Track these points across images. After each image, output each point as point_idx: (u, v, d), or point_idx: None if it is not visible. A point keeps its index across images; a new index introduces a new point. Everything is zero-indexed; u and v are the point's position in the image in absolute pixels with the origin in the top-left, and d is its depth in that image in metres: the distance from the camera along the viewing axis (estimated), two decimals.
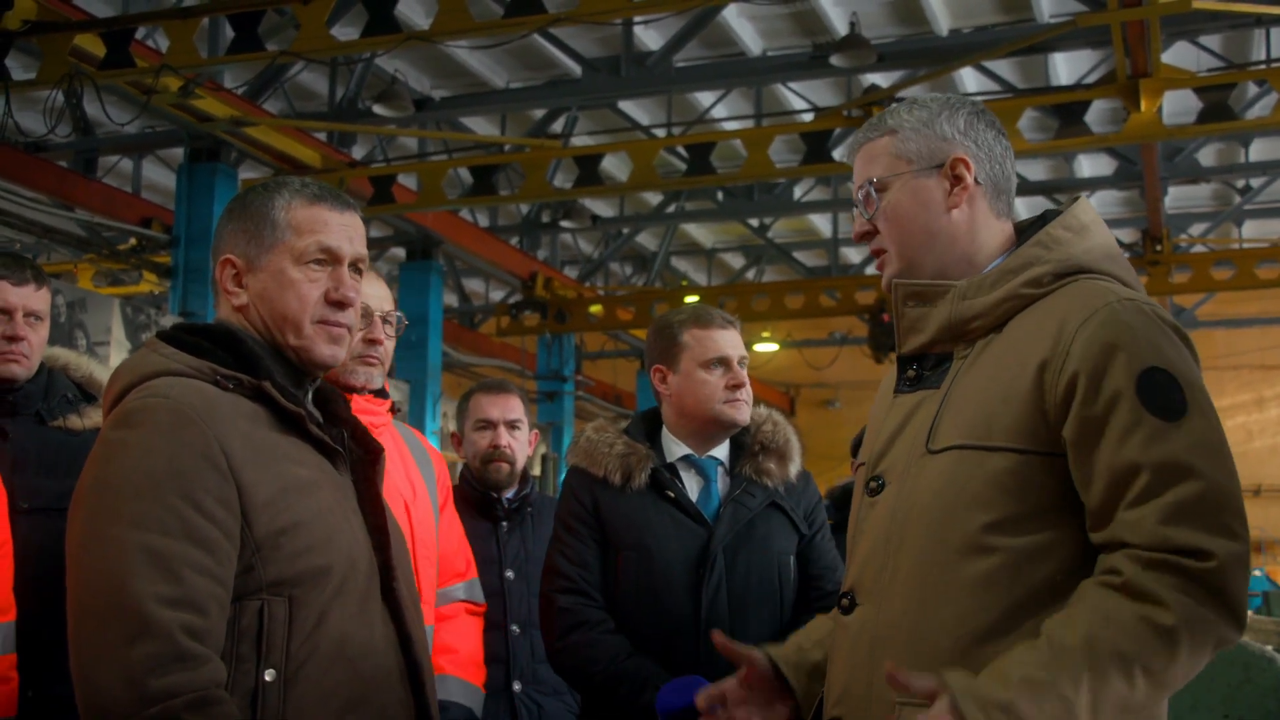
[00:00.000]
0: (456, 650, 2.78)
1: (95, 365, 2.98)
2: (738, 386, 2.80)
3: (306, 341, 1.89)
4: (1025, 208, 12.17)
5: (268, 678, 1.71)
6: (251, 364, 1.85)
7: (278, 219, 1.90)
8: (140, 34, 8.55)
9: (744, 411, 2.82)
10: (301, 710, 1.72)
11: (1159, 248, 13.32)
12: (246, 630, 1.71)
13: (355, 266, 1.96)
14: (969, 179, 1.87)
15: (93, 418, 2.86)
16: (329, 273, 1.91)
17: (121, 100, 8.94)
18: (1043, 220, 1.92)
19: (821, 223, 16.35)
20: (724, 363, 2.81)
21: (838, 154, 10.10)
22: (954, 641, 1.69)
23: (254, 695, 1.70)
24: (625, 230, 15.80)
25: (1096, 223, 1.89)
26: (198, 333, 1.88)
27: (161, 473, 1.68)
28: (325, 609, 1.77)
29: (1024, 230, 1.93)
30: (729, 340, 2.83)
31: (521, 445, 3.63)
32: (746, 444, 2.86)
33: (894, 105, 1.96)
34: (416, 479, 2.75)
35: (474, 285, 18.04)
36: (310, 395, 1.98)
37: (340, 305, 1.91)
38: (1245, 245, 15.46)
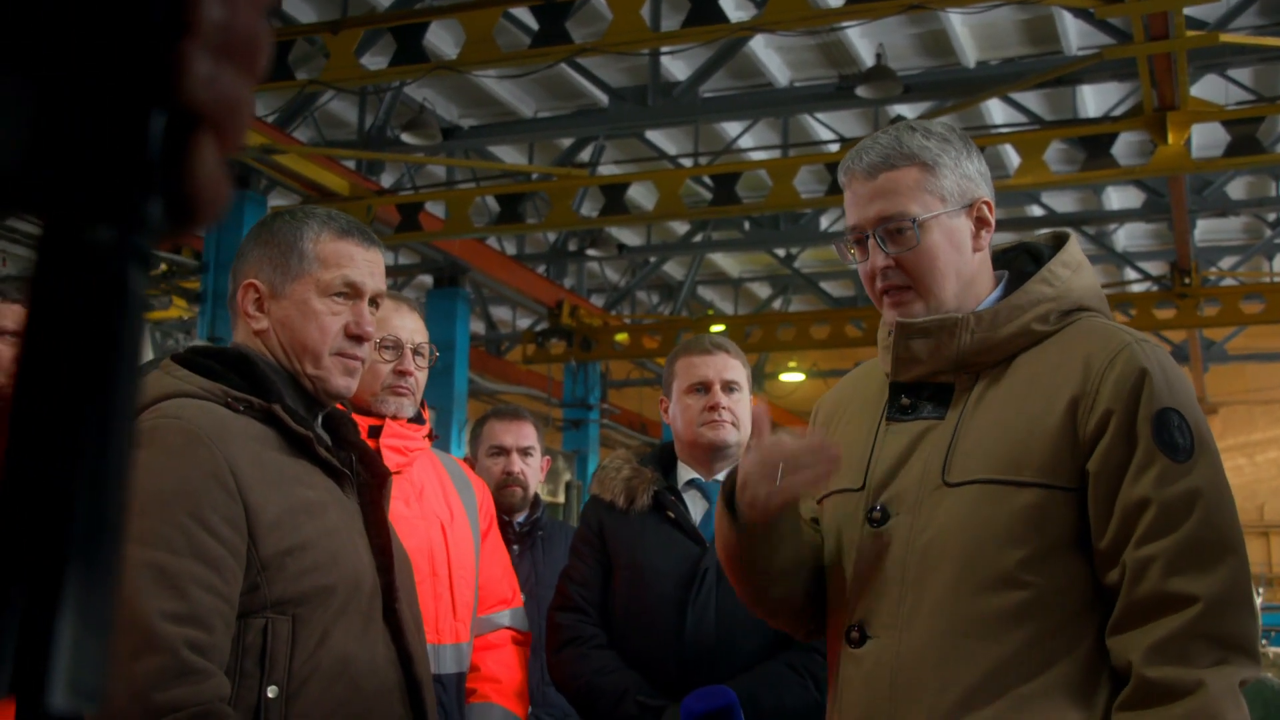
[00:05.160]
0: (500, 680, 2.82)
1: None
2: (713, 408, 2.82)
3: (324, 372, 1.94)
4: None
5: (270, 694, 1.73)
6: (263, 387, 1.89)
7: (306, 250, 1.95)
8: None
9: (723, 432, 2.83)
10: None
11: (1188, 280, 13.25)
12: (251, 647, 1.74)
13: (374, 301, 2.01)
14: (992, 221, 1.90)
15: None
16: (350, 306, 1.96)
17: None
18: (1027, 251, 1.95)
19: None
20: (704, 386, 2.85)
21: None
22: (981, 673, 1.70)
23: (256, 711, 1.73)
24: (651, 259, 15.86)
25: (1085, 260, 1.94)
26: (211, 355, 1.92)
27: (171, 492, 1.72)
28: (328, 628, 1.80)
29: (1002, 259, 1.97)
30: (712, 364, 2.86)
31: (533, 471, 3.68)
32: None
33: (904, 130, 1.90)
34: (456, 504, 2.80)
35: (501, 313, 18.13)
36: (320, 420, 2.01)
37: (359, 339, 1.96)
38: (1276, 278, 15.36)
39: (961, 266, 1.88)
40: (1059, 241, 1.94)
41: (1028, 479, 1.73)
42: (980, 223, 1.89)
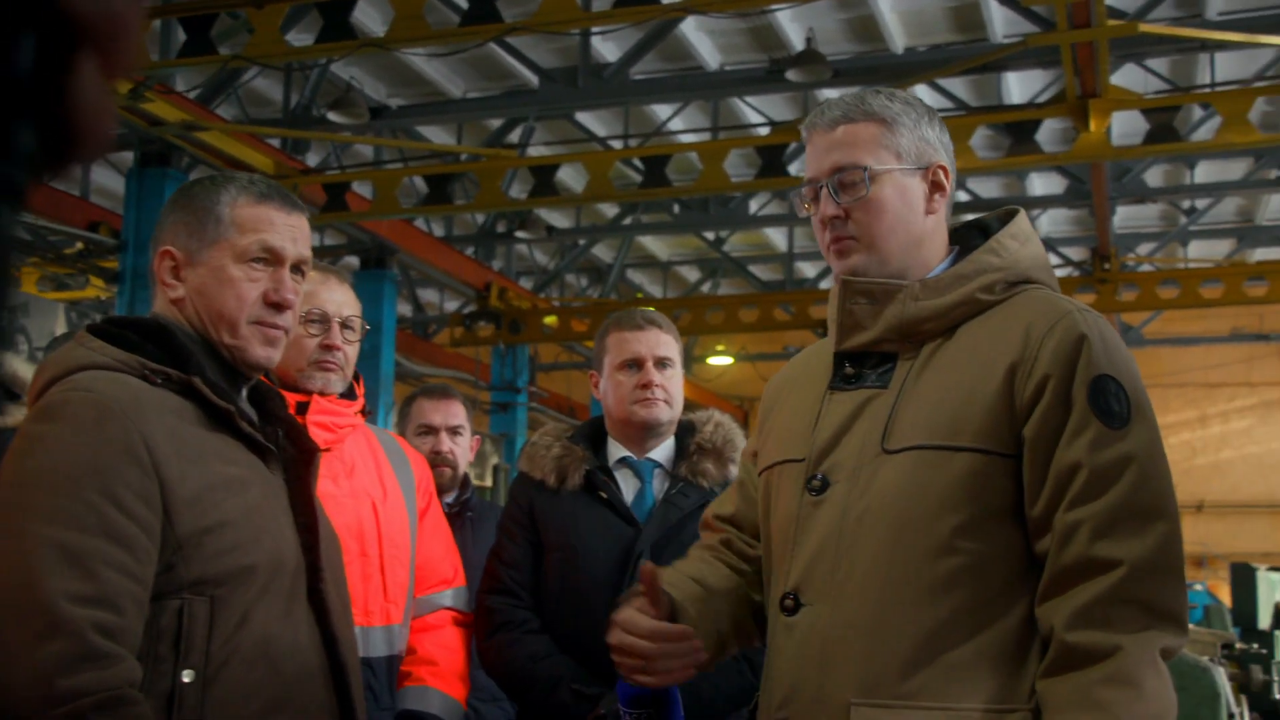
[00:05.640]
0: (438, 662, 2.71)
1: (20, 363, 2.94)
2: (646, 385, 2.79)
3: (241, 341, 1.88)
4: None
5: (186, 679, 1.68)
6: (182, 359, 1.82)
7: (222, 214, 1.89)
8: None
9: (656, 410, 2.80)
10: (220, 712, 1.70)
11: (1107, 266, 13.50)
12: (165, 630, 1.68)
13: (298, 269, 1.94)
14: (948, 187, 1.92)
15: (16, 416, 2.81)
16: (270, 273, 1.90)
17: None
18: (979, 226, 1.96)
19: (777, 237, 16.43)
20: (636, 363, 2.81)
21: (793, 169, 10.16)
22: (912, 641, 1.70)
23: (171, 697, 1.67)
24: (581, 242, 15.80)
25: (1034, 234, 1.95)
26: (128, 326, 1.86)
27: (81, 468, 1.66)
28: (249, 609, 1.75)
29: (956, 235, 1.97)
30: (644, 340, 2.82)
31: (463, 451, 3.63)
32: (688, 446, 2.86)
33: (869, 91, 1.92)
34: (390, 481, 2.71)
35: (428, 295, 17.95)
36: (245, 393, 1.96)
37: (279, 307, 1.89)
38: (1190, 265, 15.70)
39: (911, 225, 1.89)
40: (1009, 217, 1.96)
41: (964, 444, 1.74)
42: (935, 187, 1.91)
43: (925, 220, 1.91)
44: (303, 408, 2.53)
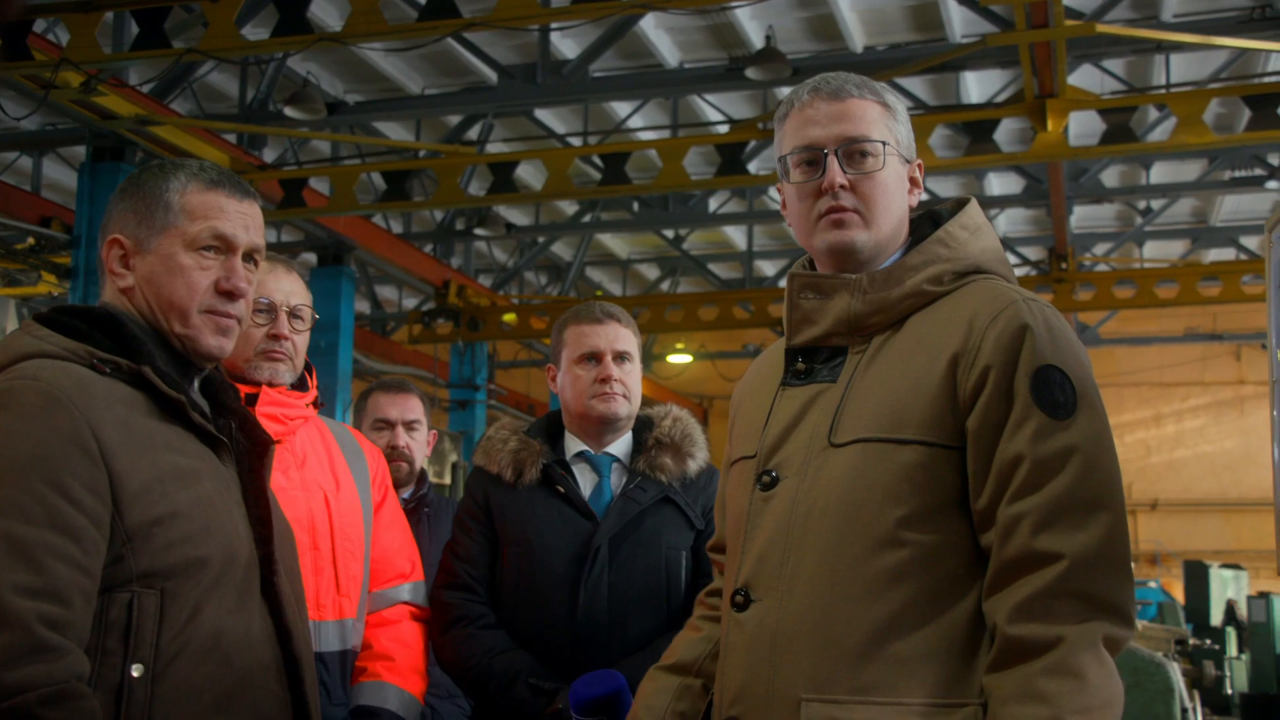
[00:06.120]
0: (394, 658, 2.66)
1: None
2: (605, 380, 2.76)
3: (192, 331, 1.84)
4: None
5: (135, 673, 1.64)
6: (132, 349, 1.78)
7: (171, 201, 1.85)
8: (40, 27, 8.32)
9: (615, 405, 2.77)
10: (170, 706, 1.66)
11: (1064, 265, 13.64)
12: (114, 623, 1.65)
13: (251, 257, 1.91)
14: (921, 184, 1.94)
15: None
16: (221, 261, 1.86)
17: (20, 95, 8.68)
18: (931, 218, 1.95)
19: (736, 235, 16.46)
20: (595, 357, 2.78)
21: (752, 167, 10.18)
22: (861, 635, 1.69)
23: (119, 691, 1.64)
24: (540, 239, 15.76)
25: (986, 224, 1.94)
26: (76, 315, 1.81)
27: (26, 457, 1.61)
28: (200, 602, 1.71)
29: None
30: (602, 334, 2.79)
31: (420, 445, 3.59)
32: (646, 440, 2.84)
33: (864, 79, 1.91)
34: (343, 474, 2.66)
35: (386, 292, 17.84)
36: (197, 384, 1.92)
37: (230, 295, 1.86)
38: (1146, 265, 15.90)
39: (899, 211, 1.90)
40: (960, 207, 1.94)
41: (908, 437, 1.72)
42: (913, 182, 1.93)
43: (904, 211, 1.92)
44: (252, 399, 2.48)
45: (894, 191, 1.87)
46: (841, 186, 1.84)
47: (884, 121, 1.88)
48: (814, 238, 1.87)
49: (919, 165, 1.94)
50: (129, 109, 8.97)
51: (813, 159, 1.87)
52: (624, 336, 2.82)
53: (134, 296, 1.85)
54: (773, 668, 1.74)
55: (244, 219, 1.89)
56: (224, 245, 1.86)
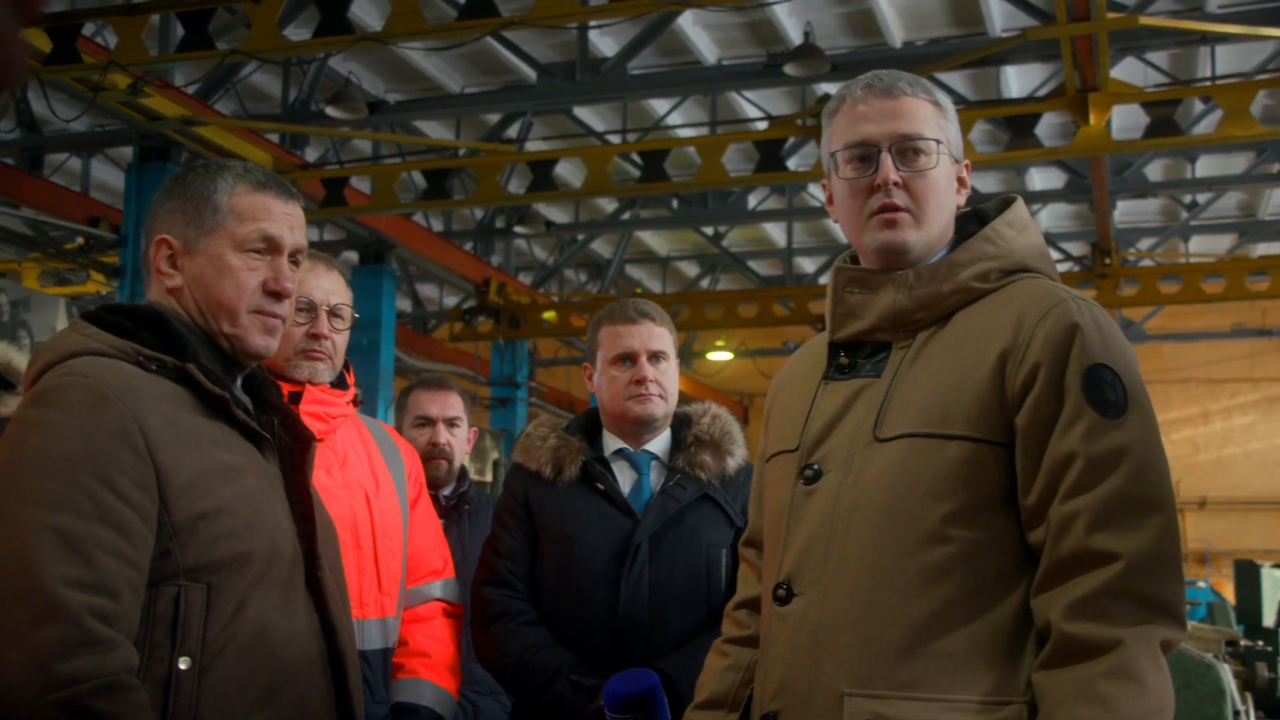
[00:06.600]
0: (430, 654, 2.68)
1: (15, 353, 2.92)
2: (640, 381, 2.75)
3: (241, 330, 1.87)
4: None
5: (182, 665, 1.67)
6: (177, 346, 1.81)
7: (220, 203, 1.88)
8: (89, 30, 8.44)
9: (651, 406, 2.76)
10: (216, 699, 1.68)
11: (1108, 261, 13.48)
12: (162, 616, 1.67)
13: (294, 258, 1.94)
14: (968, 185, 1.94)
15: (10, 405, 2.80)
16: (268, 262, 1.89)
17: (70, 98, 8.82)
18: (976, 215, 1.95)
19: (776, 232, 16.41)
20: (630, 357, 2.77)
21: (792, 164, 10.15)
22: (904, 631, 1.69)
23: (167, 683, 1.66)
24: (580, 237, 15.79)
25: (1032, 222, 1.94)
26: (123, 313, 1.84)
27: (75, 453, 1.64)
28: (245, 596, 1.73)
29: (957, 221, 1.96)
30: (636, 334, 2.78)
31: (460, 443, 3.60)
32: (685, 438, 2.84)
33: (916, 77, 1.91)
34: (382, 472, 2.68)
35: (427, 290, 17.94)
36: (240, 381, 1.95)
37: (277, 296, 1.89)
38: (1192, 260, 15.69)
39: (949, 210, 1.90)
40: (1006, 205, 1.94)
41: (955, 432, 1.72)
42: (960, 181, 1.93)
43: (953, 210, 1.92)
44: (295, 398, 2.50)
45: (945, 191, 1.88)
46: (895, 184, 1.84)
47: (936, 120, 1.88)
48: (864, 236, 1.87)
49: (967, 165, 1.94)
50: (174, 110, 9.08)
51: (865, 155, 1.87)
52: (658, 335, 2.80)
53: (182, 296, 1.88)
54: (815, 662, 1.74)
55: (289, 220, 1.92)
56: (271, 246, 1.89)
